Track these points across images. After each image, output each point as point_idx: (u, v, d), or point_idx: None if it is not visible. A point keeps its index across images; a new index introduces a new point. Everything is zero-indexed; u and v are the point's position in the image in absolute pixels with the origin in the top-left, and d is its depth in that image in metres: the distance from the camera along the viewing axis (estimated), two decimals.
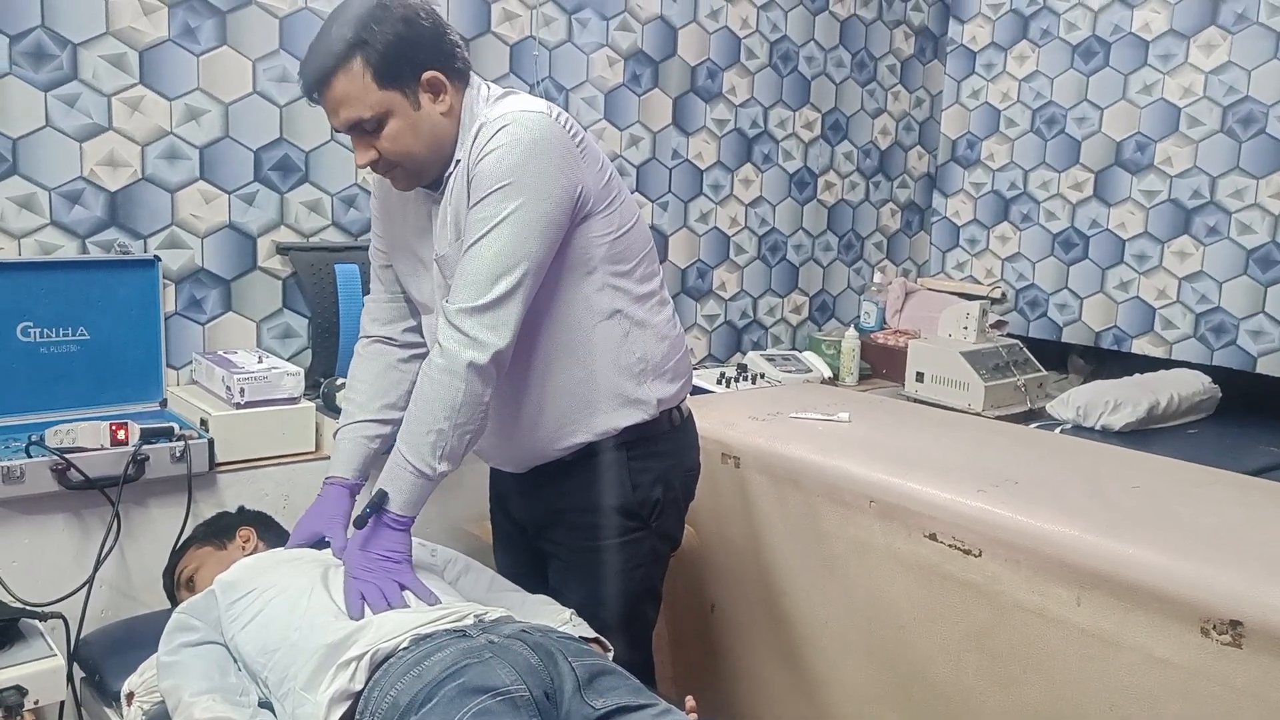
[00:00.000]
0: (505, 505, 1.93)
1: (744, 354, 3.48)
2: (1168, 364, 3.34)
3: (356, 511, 1.69)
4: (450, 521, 2.45)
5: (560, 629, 1.57)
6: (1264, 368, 3.15)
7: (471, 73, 1.69)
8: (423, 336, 1.85)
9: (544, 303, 1.64)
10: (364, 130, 1.60)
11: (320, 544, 1.78)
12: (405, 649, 1.41)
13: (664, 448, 1.79)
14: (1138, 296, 3.43)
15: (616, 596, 1.76)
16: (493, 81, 2.65)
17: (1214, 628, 1.51)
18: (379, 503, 1.59)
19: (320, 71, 1.57)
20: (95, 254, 2.32)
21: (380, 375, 1.87)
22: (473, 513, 2.55)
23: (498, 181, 1.54)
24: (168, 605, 1.92)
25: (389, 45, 1.55)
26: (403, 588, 1.57)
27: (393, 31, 1.55)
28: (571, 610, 1.70)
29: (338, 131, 1.67)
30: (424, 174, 1.67)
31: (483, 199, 1.55)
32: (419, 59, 1.58)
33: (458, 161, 1.63)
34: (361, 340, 1.92)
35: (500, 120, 1.56)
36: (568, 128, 1.60)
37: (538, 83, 2.90)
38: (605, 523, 1.74)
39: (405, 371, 1.85)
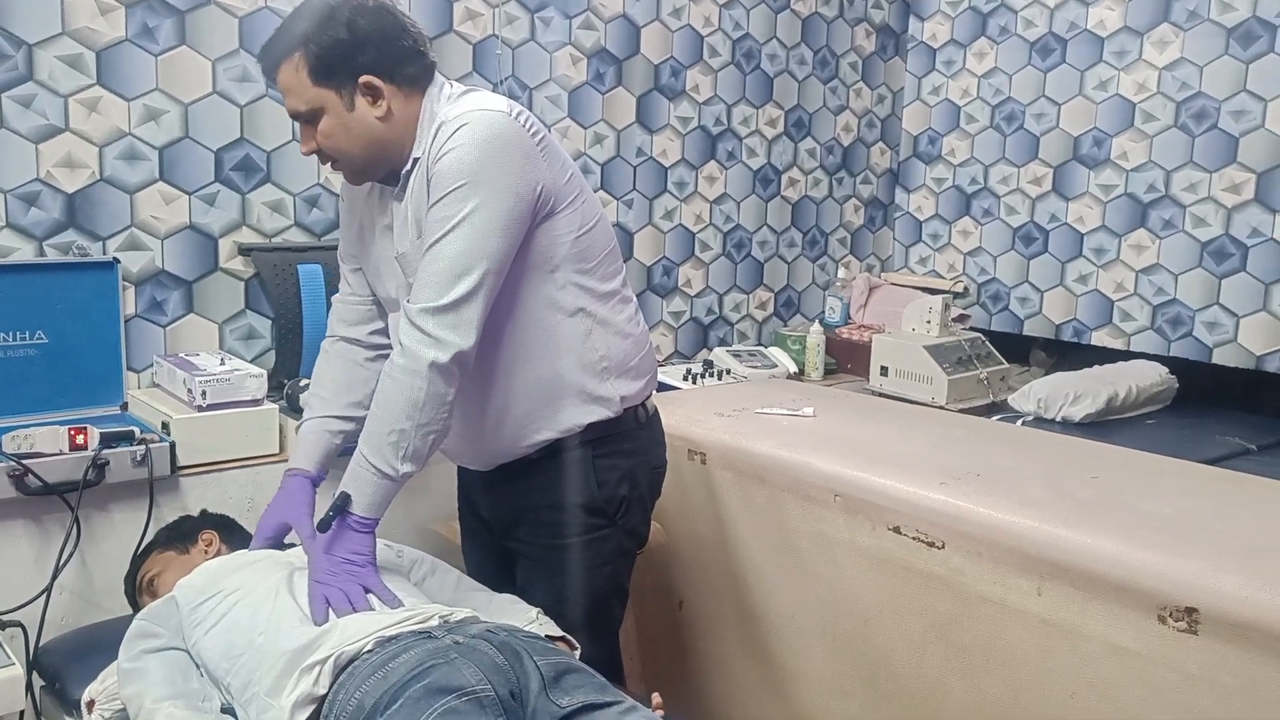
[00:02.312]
0: (473, 503, 1.93)
1: (710, 350, 3.49)
2: (1126, 356, 3.39)
3: (319, 515, 1.68)
4: (417, 522, 2.44)
5: (526, 628, 1.58)
6: (1219, 358, 3.20)
7: (436, 74, 1.69)
8: (389, 338, 1.85)
9: (507, 301, 1.64)
10: (304, 120, 1.65)
11: (282, 543, 1.78)
12: (370, 651, 1.41)
13: (629, 445, 1.79)
14: (1096, 289, 3.47)
15: (583, 594, 1.77)
16: (456, 80, 2.65)
17: (1170, 615, 1.54)
18: (341, 505, 1.58)
19: (268, 61, 1.65)
20: (53, 256, 2.30)
21: (345, 373, 1.87)
22: (440, 513, 2.54)
23: (457, 180, 1.54)
24: (129, 611, 1.90)
25: (326, 46, 1.58)
26: (367, 590, 1.56)
27: (333, 34, 1.58)
28: (538, 609, 1.70)
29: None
30: (365, 172, 1.70)
31: (442, 198, 1.55)
32: (356, 63, 1.60)
33: (416, 160, 1.63)
34: (328, 339, 1.92)
35: (459, 119, 1.57)
36: (528, 126, 1.60)
37: (501, 81, 2.90)
38: (571, 520, 1.75)
39: (371, 370, 1.84)
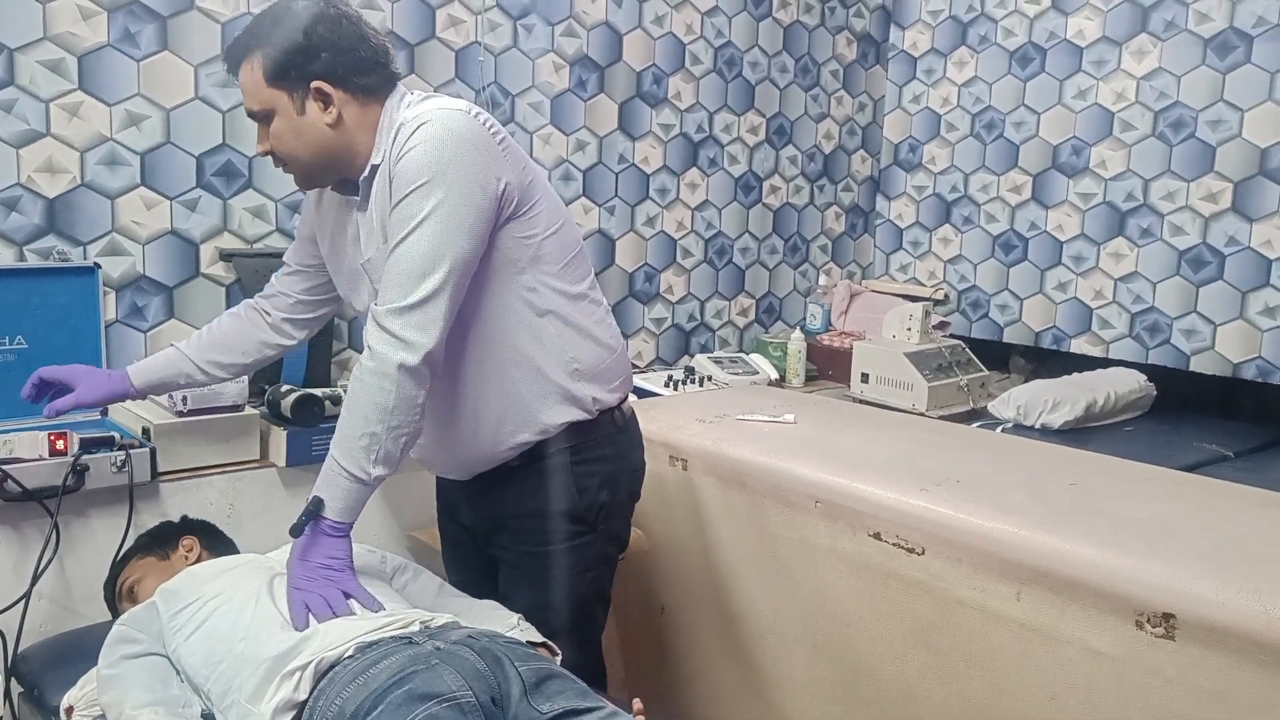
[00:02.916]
0: (453, 513, 1.93)
1: (691, 356, 3.50)
2: (1105, 363, 3.42)
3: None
4: (398, 528, 2.44)
5: (508, 634, 1.58)
6: (1196, 366, 3.23)
7: (398, 84, 1.70)
8: (293, 337, 1.93)
9: (475, 304, 1.64)
10: (258, 120, 1.67)
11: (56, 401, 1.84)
12: (350, 657, 1.41)
13: (608, 450, 1.79)
14: (1075, 297, 3.50)
15: (566, 600, 1.77)
16: (437, 88, 2.67)
17: (1148, 620, 1.55)
18: (315, 510, 1.57)
19: (231, 59, 1.67)
20: (33, 262, 2.29)
21: (235, 330, 1.91)
22: (421, 519, 2.54)
23: (418, 179, 1.54)
24: (108, 617, 1.90)
25: (282, 49, 1.60)
26: (347, 595, 1.56)
27: (290, 37, 1.60)
28: (519, 615, 1.70)
29: None
30: (313, 177, 1.71)
31: (404, 198, 1.55)
32: (309, 68, 1.61)
33: (375, 167, 1.63)
34: (245, 303, 1.95)
35: (417, 119, 1.57)
36: (487, 125, 1.61)
37: (484, 88, 2.90)
38: (552, 527, 1.74)
39: (255, 344, 1.91)
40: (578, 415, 1.73)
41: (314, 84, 1.61)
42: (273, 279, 1.95)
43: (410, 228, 1.54)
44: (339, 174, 1.69)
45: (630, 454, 1.87)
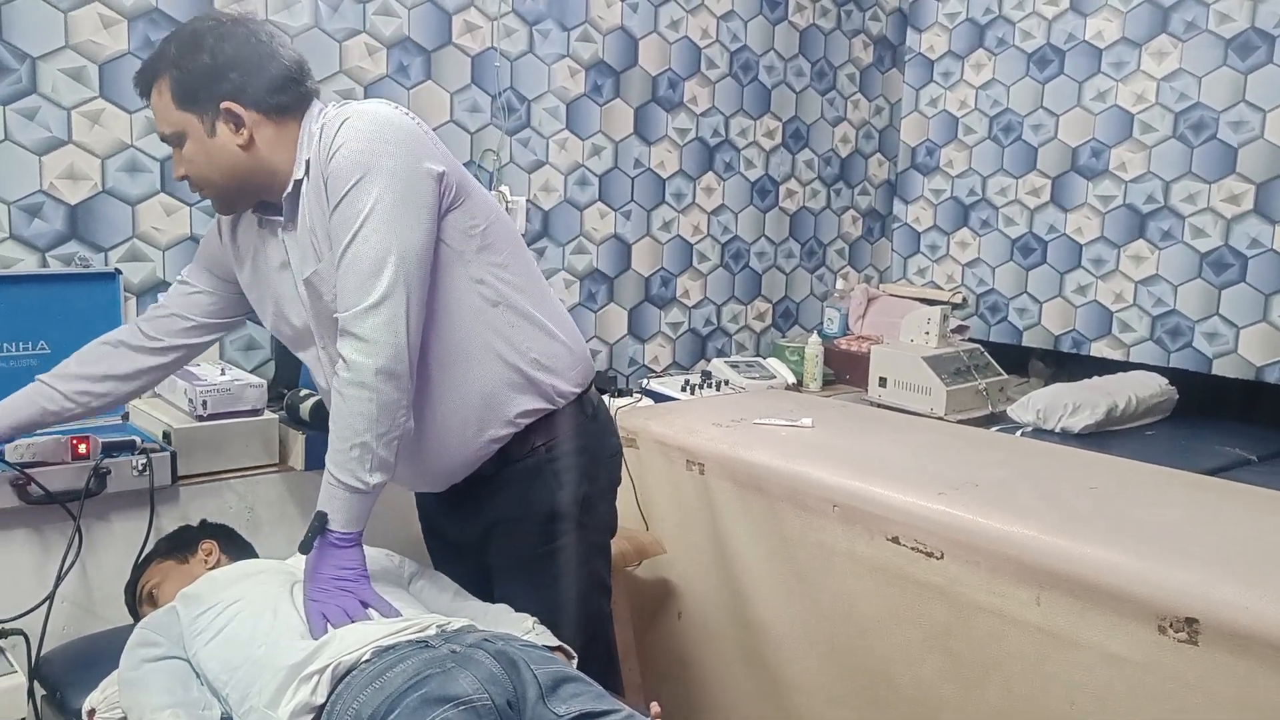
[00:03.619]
0: (437, 529, 1.91)
1: (708, 361, 3.50)
2: (1126, 366, 3.40)
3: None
4: (411, 533, 2.45)
5: (524, 637, 1.58)
6: (1219, 369, 3.21)
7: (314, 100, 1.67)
8: (178, 361, 1.89)
9: (428, 300, 1.60)
10: (171, 144, 1.65)
11: None
12: (367, 661, 1.41)
13: (582, 442, 1.76)
14: (1095, 300, 3.48)
15: (567, 597, 1.75)
16: (454, 94, 2.67)
17: (1170, 625, 1.54)
18: (320, 525, 1.56)
19: (140, 83, 1.64)
20: (55, 267, 2.31)
21: (108, 358, 1.84)
22: None
23: (352, 176, 1.51)
24: (130, 621, 1.91)
25: (189, 72, 1.58)
26: (364, 604, 1.56)
27: (196, 60, 1.57)
28: (534, 619, 1.70)
29: None
30: (231, 201, 1.69)
31: (342, 199, 1.52)
32: (218, 90, 1.58)
33: (297, 182, 1.61)
34: (122, 328, 1.90)
35: (340, 116, 1.56)
36: (412, 117, 1.59)
37: (500, 93, 2.91)
38: (540, 528, 1.74)
39: (137, 369, 1.84)
40: (542, 405, 1.71)
41: (223, 105, 1.58)
42: (164, 300, 1.90)
43: (355, 227, 1.51)
44: (258, 196, 1.66)
45: (605, 440, 1.85)
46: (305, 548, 1.58)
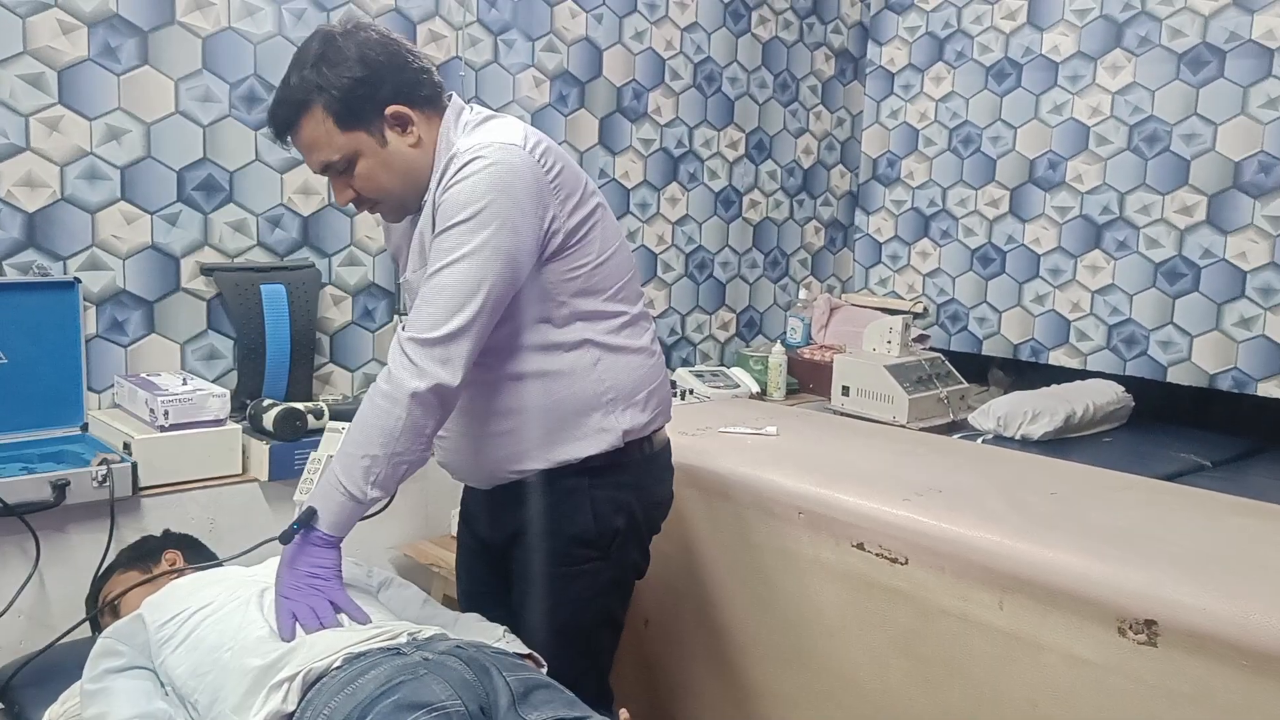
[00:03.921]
0: (472, 523, 1.90)
1: (673, 370, 3.51)
2: (1083, 375, 3.45)
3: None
4: (384, 542, 2.43)
5: (494, 644, 1.57)
6: (1173, 377, 3.27)
7: (451, 95, 1.67)
8: None
9: (509, 331, 1.61)
10: (337, 171, 1.61)
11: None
12: (338, 668, 1.40)
13: (629, 478, 1.74)
14: (1053, 310, 3.53)
15: (571, 623, 1.73)
16: None
17: (1130, 627, 1.57)
18: (307, 519, 1.56)
19: (284, 120, 1.59)
20: (13, 276, 2.27)
21: None
22: (407, 535, 2.54)
23: (462, 214, 1.51)
24: (89, 633, 1.88)
25: (346, 89, 1.54)
26: (335, 607, 1.55)
27: (349, 74, 1.54)
28: (505, 627, 1.69)
29: (315, 173, 1.67)
30: (406, 206, 1.67)
31: (447, 230, 1.52)
32: (379, 97, 1.56)
33: (431, 190, 1.60)
34: None
35: (471, 152, 1.54)
36: (543, 161, 1.57)
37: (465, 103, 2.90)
38: (563, 549, 1.71)
39: None
40: (599, 448, 1.69)
41: (388, 111, 1.57)
42: None
43: (448, 260, 1.51)
44: (424, 193, 1.64)
45: (654, 486, 1.82)
46: (286, 539, 1.57)
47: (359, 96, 1.55)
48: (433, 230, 1.56)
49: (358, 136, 1.57)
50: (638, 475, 1.77)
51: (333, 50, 1.55)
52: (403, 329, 1.55)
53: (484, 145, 1.54)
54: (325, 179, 1.85)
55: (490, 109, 1.71)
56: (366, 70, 1.55)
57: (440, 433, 1.67)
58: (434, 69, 1.65)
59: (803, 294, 3.88)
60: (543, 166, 1.57)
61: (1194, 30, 3.14)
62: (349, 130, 1.57)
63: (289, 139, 1.62)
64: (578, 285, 1.64)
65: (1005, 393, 3.50)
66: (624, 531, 1.75)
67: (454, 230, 1.52)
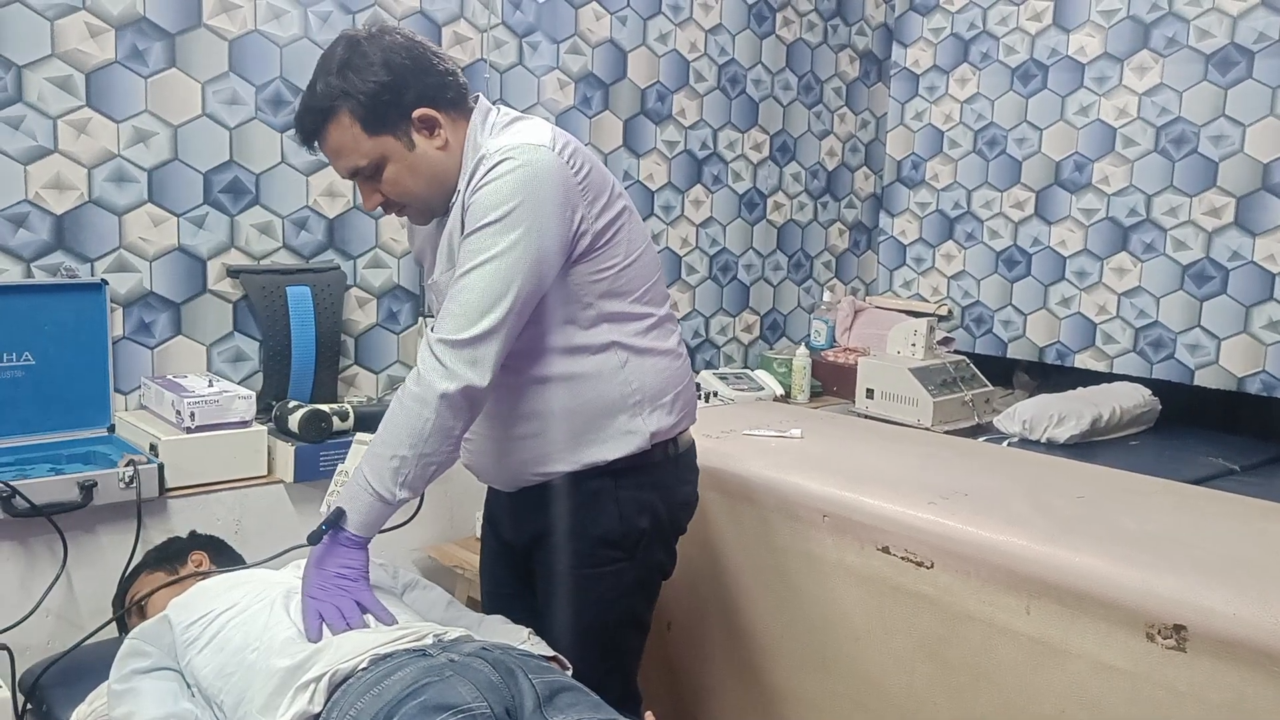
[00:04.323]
0: (495, 524, 1.90)
1: (697, 373, 3.50)
2: (1109, 378, 3.42)
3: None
4: (409, 544, 2.44)
5: (520, 646, 1.57)
6: (1201, 380, 3.23)
7: (478, 96, 1.67)
8: None
9: (536, 333, 1.61)
10: (365, 176, 1.61)
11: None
12: (364, 669, 1.40)
13: (654, 479, 1.74)
14: (1079, 312, 3.51)
15: (595, 624, 1.73)
16: None
17: (1159, 632, 1.55)
18: (335, 519, 1.57)
19: (311, 127, 1.60)
20: (41, 278, 2.29)
21: None
22: (432, 536, 2.55)
23: (492, 216, 1.51)
24: (116, 634, 1.90)
25: (371, 94, 1.55)
26: (362, 608, 1.55)
27: (374, 79, 1.54)
28: (529, 629, 1.70)
29: (343, 178, 1.68)
30: (434, 209, 1.67)
31: (476, 232, 1.52)
32: (405, 101, 1.57)
33: (460, 191, 1.61)
34: None
35: (500, 153, 1.54)
36: (571, 163, 1.57)
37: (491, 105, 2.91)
38: (588, 550, 1.71)
39: None
40: (626, 450, 1.69)
41: (416, 114, 1.57)
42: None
43: (477, 262, 1.52)
44: (451, 196, 1.64)
45: (679, 487, 1.82)
46: (315, 539, 1.58)
47: (385, 101, 1.55)
48: (461, 232, 1.56)
49: (385, 141, 1.58)
50: (662, 476, 1.77)
51: (357, 55, 1.55)
52: (431, 330, 1.56)
53: (513, 146, 1.54)
54: (351, 182, 1.86)
55: (516, 111, 1.71)
56: (391, 75, 1.55)
57: (465, 434, 1.68)
58: (459, 71, 1.65)
59: (827, 296, 3.87)
60: (571, 167, 1.57)
61: (1222, 31, 3.11)
62: (376, 135, 1.57)
63: (316, 145, 1.62)
64: (604, 287, 1.64)
65: (1030, 396, 3.47)
66: (649, 532, 1.75)
67: (483, 231, 1.52)
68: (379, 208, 1.67)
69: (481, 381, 1.52)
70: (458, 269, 1.55)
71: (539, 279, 1.55)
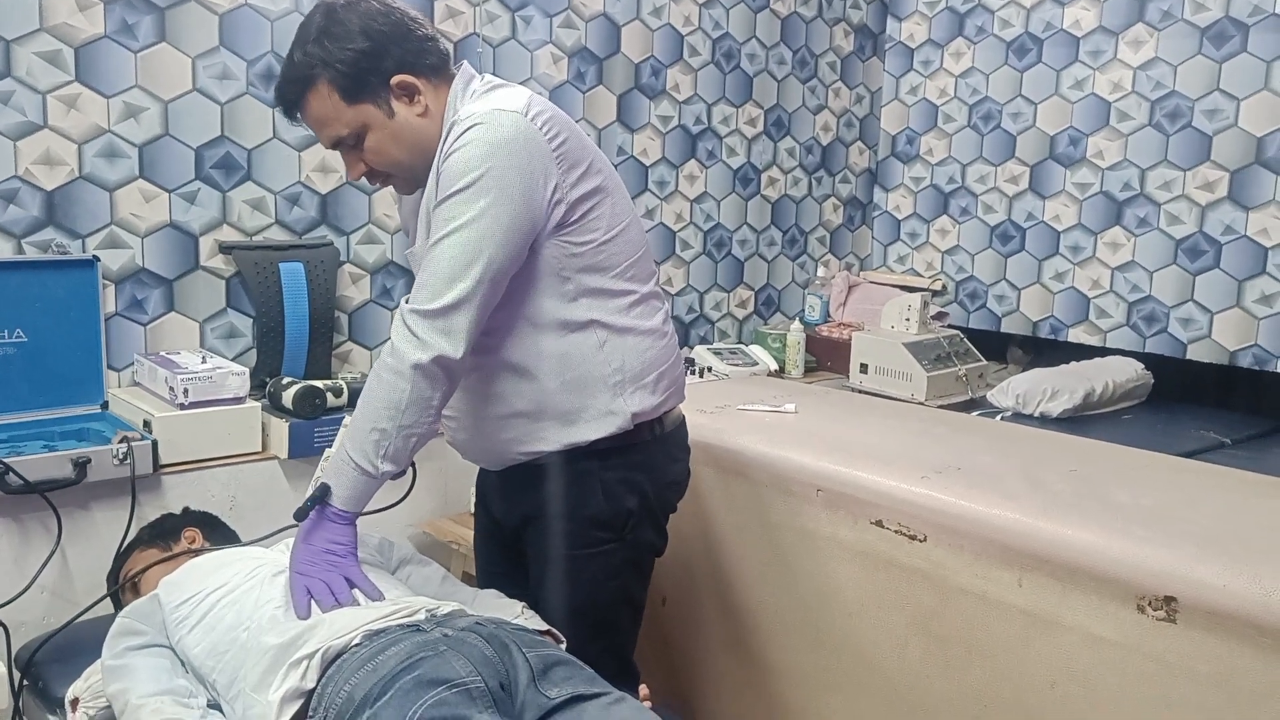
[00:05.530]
0: (486, 503, 1.89)
1: (691, 348, 3.50)
2: (1102, 352, 3.43)
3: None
4: (403, 519, 2.44)
5: (513, 621, 1.58)
6: (1193, 354, 3.24)
7: (461, 64, 1.65)
8: None
9: (514, 309, 1.60)
10: (348, 145, 1.60)
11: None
12: (358, 645, 1.41)
13: (640, 459, 1.72)
14: (1073, 287, 3.51)
15: (588, 602, 1.72)
16: None
17: (1149, 604, 1.56)
18: (320, 495, 1.56)
19: (291, 97, 1.59)
20: (32, 254, 2.28)
21: None
22: (426, 511, 2.55)
23: (462, 182, 1.49)
24: (111, 610, 1.90)
25: (349, 62, 1.53)
26: (350, 583, 1.55)
27: (352, 47, 1.53)
28: (523, 604, 1.70)
29: (327, 148, 1.67)
30: (418, 178, 1.65)
31: (447, 199, 1.51)
32: (383, 68, 1.55)
33: (436, 158, 1.59)
34: None
35: (473, 118, 1.52)
36: (546, 129, 1.54)
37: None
38: (577, 531, 1.70)
39: None
40: (607, 431, 1.66)
41: (394, 81, 1.56)
42: None
43: (447, 230, 1.50)
44: (433, 163, 1.60)
45: (667, 466, 1.80)
46: (301, 515, 1.57)
47: (363, 69, 1.54)
48: (434, 199, 1.55)
49: (364, 109, 1.56)
50: (649, 455, 1.75)
51: (334, 23, 1.54)
52: (405, 301, 1.55)
53: (483, 112, 1.52)
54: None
55: (500, 80, 1.69)
56: (369, 41, 1.54)
57: (448, 413, 1.68)
58: (439, 37, 1.64)
59: (821, 271, 3.87)
60: (545, 133, 1.54)
61: (1217, 4, 3.10)
62: (355, 103, 1.56)
63: (298, 116, 1.61)
64: (584, 262, 1.61)
65: (1024, 370, 3.48)
66: (637, 512, 1.73)
67: (452, 199, 1.50)
68: (364, 177, 1.65)
69: (455, 352, 1.51)
70: (430, 238, 1.54)
71: (511, 247, 1.52)
